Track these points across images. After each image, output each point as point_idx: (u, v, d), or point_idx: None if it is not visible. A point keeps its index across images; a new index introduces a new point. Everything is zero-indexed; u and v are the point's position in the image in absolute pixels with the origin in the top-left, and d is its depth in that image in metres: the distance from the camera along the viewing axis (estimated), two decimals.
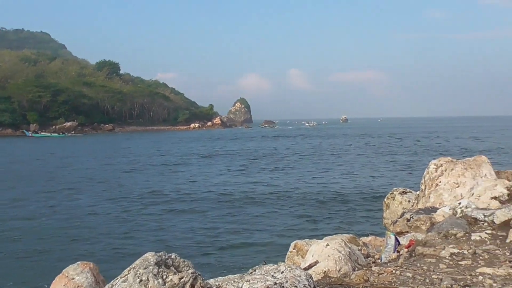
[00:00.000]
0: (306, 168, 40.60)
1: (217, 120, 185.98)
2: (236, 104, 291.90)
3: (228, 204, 24.29)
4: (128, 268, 3.53)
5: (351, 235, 7.73)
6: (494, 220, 6.33)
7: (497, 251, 5.24)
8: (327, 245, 5.46)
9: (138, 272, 3.40)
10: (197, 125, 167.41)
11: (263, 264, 4.15)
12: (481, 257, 5.06)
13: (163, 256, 3.61)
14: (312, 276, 4.31)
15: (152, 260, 3.51)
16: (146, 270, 3.41)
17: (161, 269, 3.46)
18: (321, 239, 6.40)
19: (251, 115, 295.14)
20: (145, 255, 3.62)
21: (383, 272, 4.82)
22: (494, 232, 6.02)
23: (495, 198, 7.63)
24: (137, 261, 3.57)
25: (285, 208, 23.29)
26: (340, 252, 5.28)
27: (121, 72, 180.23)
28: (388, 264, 5.30)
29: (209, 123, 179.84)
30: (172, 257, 3.68)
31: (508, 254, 5.10)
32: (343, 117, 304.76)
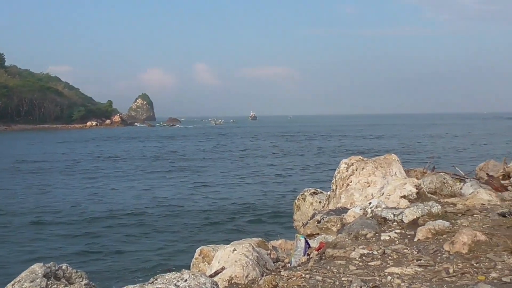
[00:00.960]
0: (211, 172, 40.44)
1: (116, 118, 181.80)
2: (138, 101, 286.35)
3: (123, 211, 23.73)
4: (12, 282, 3.38)
5: (260, 239, 7.84)
6: (403, 219, 6.67)
7: (405, 250, 5.52)
8: (234, 250, 5.50)
9: (23, 286, 3.27)
10: (94, 123, 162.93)
11: (166, 272, 4.12)
12: (390, 257, 5.31)
13: (53, 267, 3.49)
14: (218, 283, 4.33)
15: (40, 272, 3.38)
16: (33, 283, 3.28)
17: (50, 282, 3.34)
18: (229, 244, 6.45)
19: (154, 112, 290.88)
20: (32, 266, 3.48)
21: (292, 276, 4.92)
22: (403, 231, 6.35)
23: (404, 197, 8.03)
24: (23, 274, 3.42)
25: (190, 213, 23.15)
26: (247, 257, 5.33)
27: (7, 64, 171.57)
28: (298, 268, 5.43)
29: (108, 121, 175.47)
30: (63, 267, 3.56)
31: (416, 253, 5.39)
32: (251, 114, 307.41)
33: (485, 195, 8.18)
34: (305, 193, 11.54)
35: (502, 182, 10.90)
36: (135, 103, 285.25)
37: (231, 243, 6.70)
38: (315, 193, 11.51)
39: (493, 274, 4.49)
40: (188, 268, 7.06)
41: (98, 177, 37.75)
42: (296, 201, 11.71)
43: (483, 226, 6.15)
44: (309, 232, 7.96)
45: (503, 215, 6.66)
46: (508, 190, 9.68)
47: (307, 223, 8.36)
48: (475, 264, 4.81)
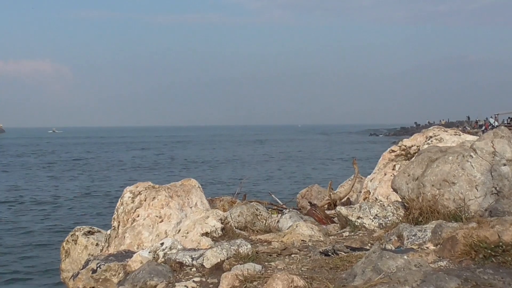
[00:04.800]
0: None
1: None
2: None
3: None
4: None
5: None
6: (204, 264, 6.83)
7: None
8: None
9: None
10: None
11: None
12: None
13: None
14: None
15: None
16: None
17: None
18: None
19: None
20: None
21: None
22: (203, 279, 6.49)
23: (206, 234, 8.24)
24: None
25: None
26: None
27: None
28: None
29: None
30: None
31: None
32: None
33: (306, 230, 8.68)
34: (77, 233, 11.29)
35: (327, 212, 11.67)
36: None
37: None
38: (90, 233, 11.33)
39: None
40: None
41: None
42: (64, 244, 11.41)
43: (302, 269, 6.51)
44: (81, 286, 7.83)
45: (326, 253, 7.12)
46: (334, 222, 10.37)
47: (78, 273, 8.21)
48: None
